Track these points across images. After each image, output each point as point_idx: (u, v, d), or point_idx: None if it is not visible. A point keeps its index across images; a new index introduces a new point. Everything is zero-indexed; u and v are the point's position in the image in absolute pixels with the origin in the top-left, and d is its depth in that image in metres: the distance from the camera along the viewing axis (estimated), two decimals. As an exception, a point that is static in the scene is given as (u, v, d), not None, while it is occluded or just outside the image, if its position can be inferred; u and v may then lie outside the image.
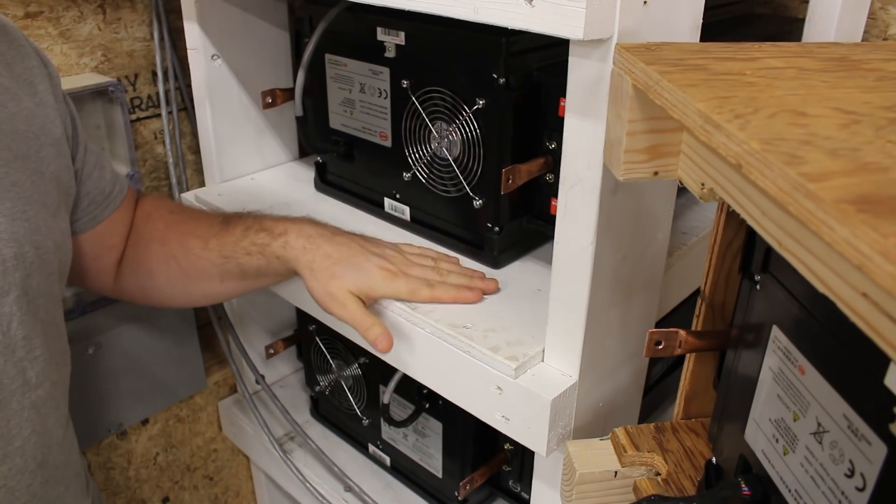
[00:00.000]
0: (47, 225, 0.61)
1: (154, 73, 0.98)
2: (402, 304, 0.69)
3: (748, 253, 0.50)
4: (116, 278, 0.78)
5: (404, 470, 0.97)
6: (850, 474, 0.36)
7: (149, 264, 0.77)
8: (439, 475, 0.90)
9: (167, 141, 1.00)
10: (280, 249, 0.70)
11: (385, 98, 0.79)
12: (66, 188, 0.66)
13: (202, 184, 1.00)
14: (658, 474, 0.55)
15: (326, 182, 0.92)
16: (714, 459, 0.54)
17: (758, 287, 0.47)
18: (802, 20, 0.86)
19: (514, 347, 0.63)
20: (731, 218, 0.52)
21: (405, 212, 0.83)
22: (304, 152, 1.05)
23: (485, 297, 0.71)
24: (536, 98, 0.69)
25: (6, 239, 0.56)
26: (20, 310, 0.57)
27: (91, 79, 0.89)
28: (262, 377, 1.04)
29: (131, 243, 0.77)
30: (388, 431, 0.96)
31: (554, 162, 0.69)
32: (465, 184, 0.74)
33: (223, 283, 0.76)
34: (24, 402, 0.59)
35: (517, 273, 0.76)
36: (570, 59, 0.53)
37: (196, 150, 1.01)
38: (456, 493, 0.87)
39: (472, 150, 0.72)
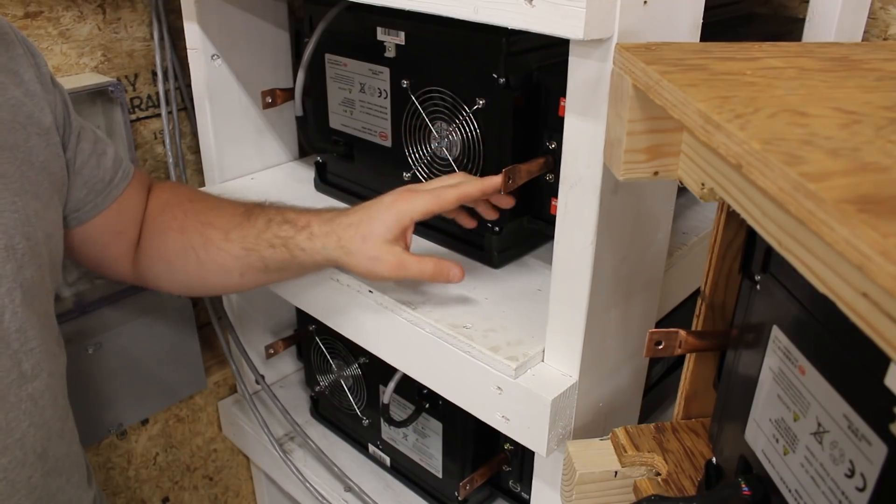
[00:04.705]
0: (38, 216, 0.60)
1: (154, 73, 0.98)
2: (401, 304, 0.69)
3: (748, 253, 0.50)
4: (135, 265, 0.77)
5: (404, 470, 0.97)
6: (851, 474, 0.36)
7: (167, 254, 0.75)
8: (439, 475, 0.90)
9: (167, 141, 1.00)
10: (305, 241, 0.68)
11: (385, 98, 0.79)
12: (59, 178, 0.65)
13: (202, 184, 1.00)
14: (658, 474, 0.55)
15: (326, 182, 0.92)
16: (714, 459, 0.54)
17: (758, 287, 0.47)
18: (802, 20, 0.86)
19: (514, 347, 0.63)
20: (731, 218, 0.51)
21: (405, 212, 0.83)
22: (304, 152, 1.05)
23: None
24: (536, 98, 0.68)
25: None
26: (13, 302, 0.57)
27: (91, 79, 0.89)
28: (262, 377, 1.04)
29: (148, 231, 0.76)
30: (388, 431, 0.96)
31: (554, 162, 0.69)
32: (465, 184, 0.74)
33: (243, 276, 0.74)
34: (21, 395, 0.59)
35: (517, 273, 0.76)
36: (570, 58, 0.53)
37: (196, 150, 1.01)
38: (456, 494, 0.87)
39: (472, 150, 0.72)
